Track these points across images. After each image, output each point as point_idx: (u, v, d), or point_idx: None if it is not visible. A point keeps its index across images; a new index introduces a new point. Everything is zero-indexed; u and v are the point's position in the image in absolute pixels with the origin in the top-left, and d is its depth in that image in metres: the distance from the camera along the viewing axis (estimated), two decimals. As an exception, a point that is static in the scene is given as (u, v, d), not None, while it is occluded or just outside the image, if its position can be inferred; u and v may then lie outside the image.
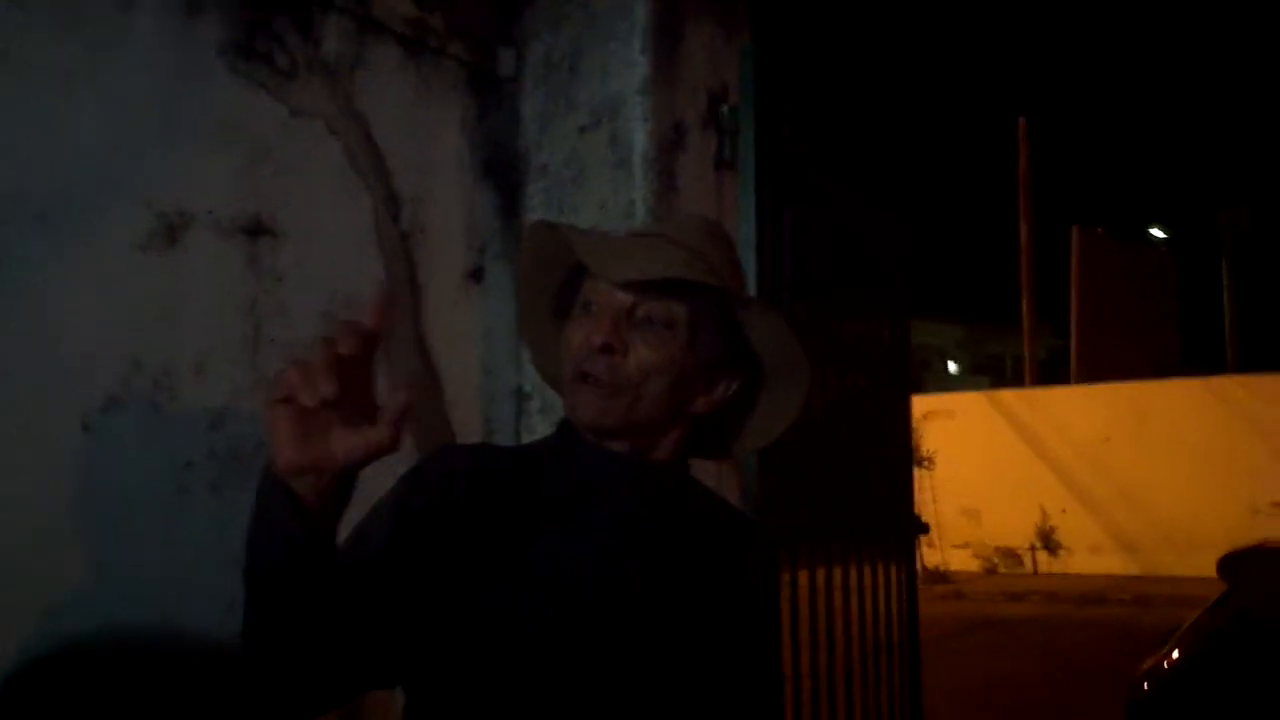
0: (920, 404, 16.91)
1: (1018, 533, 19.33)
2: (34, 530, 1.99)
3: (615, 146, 2.82)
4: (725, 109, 3.03)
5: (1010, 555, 19.44)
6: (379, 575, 1.41)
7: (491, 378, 2.85)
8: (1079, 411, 19.23)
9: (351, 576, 1.34)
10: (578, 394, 1.55)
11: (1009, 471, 19.25)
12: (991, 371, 40.79)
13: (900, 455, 4.38)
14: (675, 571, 1.57)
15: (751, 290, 2.92)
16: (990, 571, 19.36)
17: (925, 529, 4.43)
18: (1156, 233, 33.10)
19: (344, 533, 1.40)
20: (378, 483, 1.47)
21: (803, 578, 3.40)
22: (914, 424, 4.59)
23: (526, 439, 2.79)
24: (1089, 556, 18.75)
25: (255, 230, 2.35)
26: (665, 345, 1.53)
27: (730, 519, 1.77)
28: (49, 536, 2.01)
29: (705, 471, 1.80)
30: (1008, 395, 21.21)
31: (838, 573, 3.60)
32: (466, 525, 1.50)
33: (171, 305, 2.21)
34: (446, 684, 1.49)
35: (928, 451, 18.09)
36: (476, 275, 2.83)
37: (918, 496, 4.55)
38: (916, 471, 5.11)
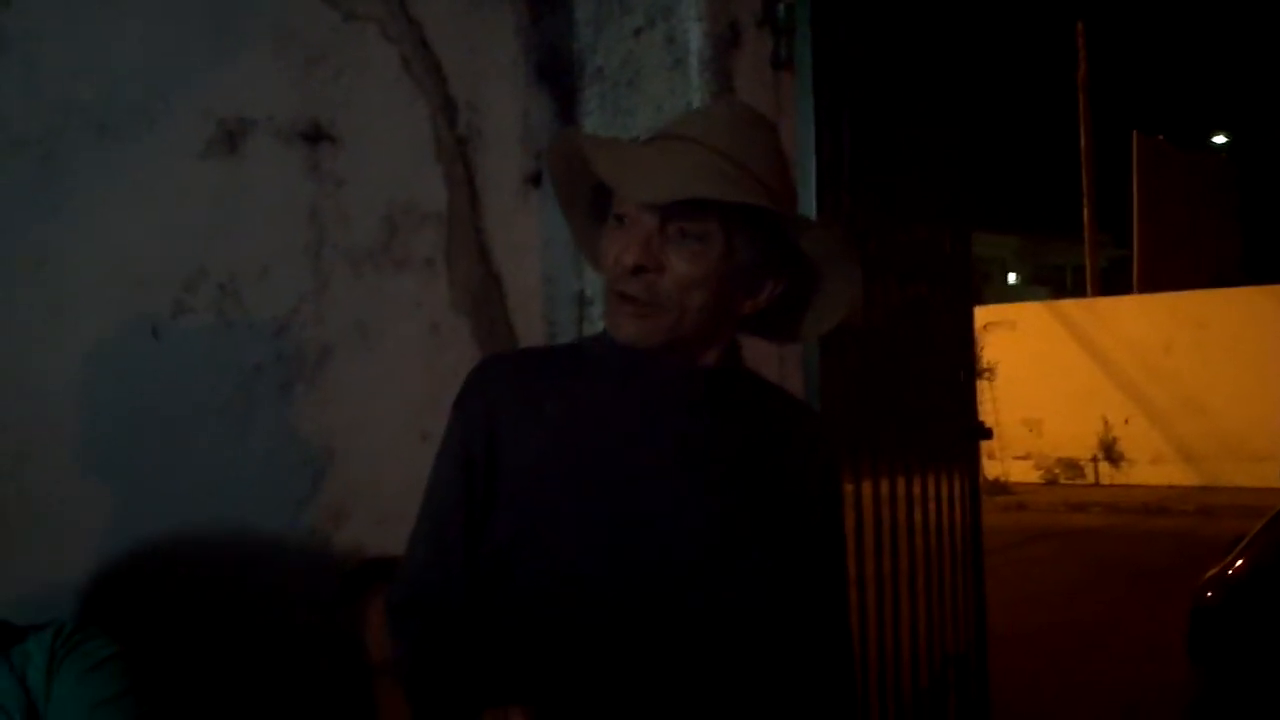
0: (980, 315, 16.72)
1: (1079, 443, 19.19)
2: (107, 436, 2.03)
3: (670, 47, 2.78)
4: (781, 7, 2.98)
5: (1072, 466, 19.33)
6: (472, 544, 1.54)
7: (552, 284, 2.85)
8: (1140, 321, 19.00)
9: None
10: (617, 314, 1.52)
11: (1070, 382, 19.08)
12: (1051, 282, 40.35)
13: (963, 364, 4.36)
14: (735, 473, 1.56)
15: (810, 187, 2.89)
16: (1051, 482, 19.26)
17: (988, 434, 4.41)
18: (1218, 139, 32.49)
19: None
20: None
21: (866, 487, 3.39)
22: (975, 335, 4.55)
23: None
24: (1151, 467, 18.61)
25: (314, 136, 2.35)
26: (701, 258, 1.48)
27: (790, 408, 1.75)
28: (121, 442, 2.05)
29: (767, 365, 1.78)
30: (1069, 305, 20.98)
31: (901, 482, 3.59)
32: (522, 452, 1.53)
33: (234, 212, 2.22)
34: (512, 610, 1.52)
35: (988, 362, 17.95)
36: (535, 180, 2.82)
37: (979, 408, 4.52)
38: (977, 383, 5.07)
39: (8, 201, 1.92)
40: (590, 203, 1.65)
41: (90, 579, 1.98)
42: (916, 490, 3.72)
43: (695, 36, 2.75)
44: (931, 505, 3.79)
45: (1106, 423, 19.00)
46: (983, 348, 17.05)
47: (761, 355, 1.73)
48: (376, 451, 2.42)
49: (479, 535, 1.53)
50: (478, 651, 1.52)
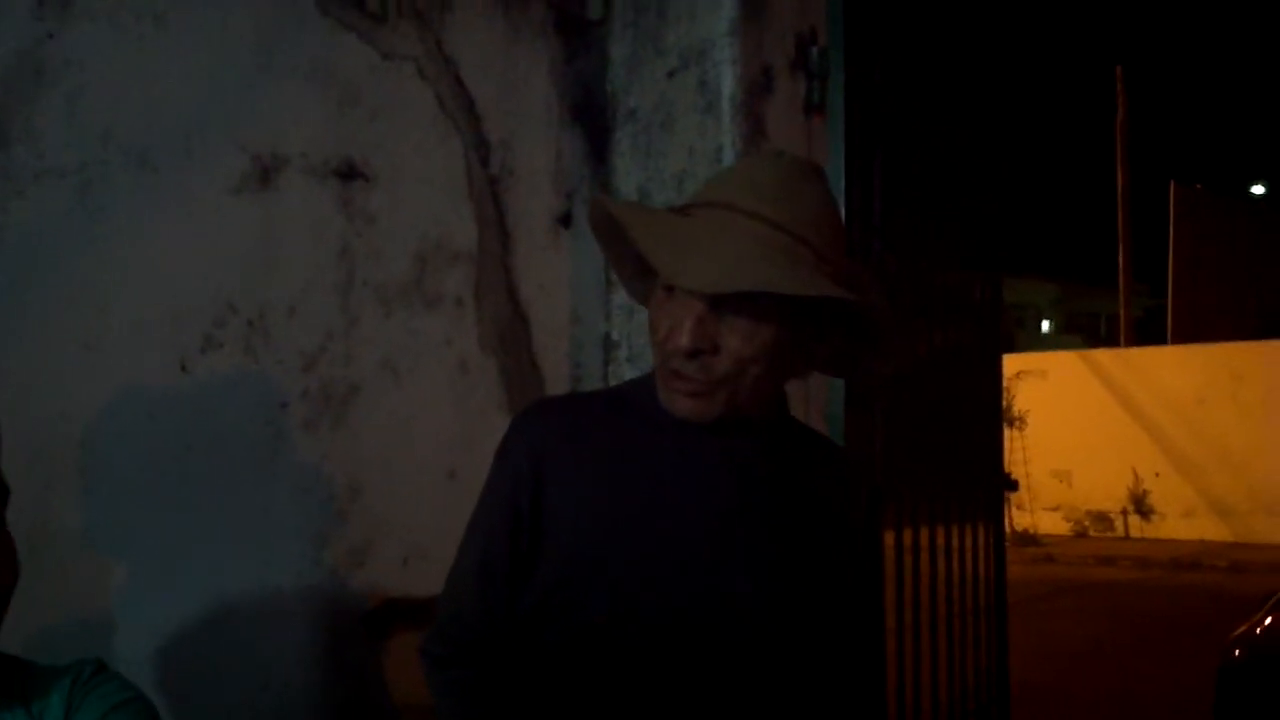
0: (1012, 363, 16.69)
1: (1110, 496, 19.05)
2: (134, 469, 2.03)
3: (703, 90, 2.79)
4: (815, 51, 2.99)
5: (1101, 518, 19.17)
6: (517, 594, 1.54)
7: (580, 325, 2.85)
8: (1175, 372, 18.87)
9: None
10: (670, 395, 1.49)
11: (1102, 433, 18.96)
12: (1085, 331, 40.23)
13: (990, 413, 4.33)
14: (780, 518, 1.56)
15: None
16: (1081, 535, 19.12)
17: (1014, 486, 4.38)
18: (1257, 189, 32.36)
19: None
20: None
21: (889, 537, 3.37)
22: (1005, 383, 4.55)
23: (614, 386, 2.78)
24: (1182, 521, 18.44)
25: (348, 173, 2.36)
26: (757, 335, 1.43)
27: (827, 451, 1.75)
28: (148, 475, 2.05)
29: (793, 395, 1.77)
30: (1102, 355, 20.85)
31: (924, 532, 3.56)
32: (569, 501, 1.52)
33: (265, 248, 2.23)
34: (555, 657, 1.52)
35: (1019, 411, 17.87)
36: (565, 221, 2.83)
37: (1008, 457, 4.51)
38: (1007, 432, 5.05)
39: (45, 232, 1.93)
40: (635, 259, 1.59)
41: (112, 614, 1.99)
42: (940, 541, 3.69)
43: (728, 80, 2.76)
44: (955, 556, 3.77)
45: (1137, 475, 18.85)
46: (1014, 396, 16.98)
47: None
48: (403, 489, 2.42)
49: (524, 585, 1.53)
50: (526, 699, 1.53)
